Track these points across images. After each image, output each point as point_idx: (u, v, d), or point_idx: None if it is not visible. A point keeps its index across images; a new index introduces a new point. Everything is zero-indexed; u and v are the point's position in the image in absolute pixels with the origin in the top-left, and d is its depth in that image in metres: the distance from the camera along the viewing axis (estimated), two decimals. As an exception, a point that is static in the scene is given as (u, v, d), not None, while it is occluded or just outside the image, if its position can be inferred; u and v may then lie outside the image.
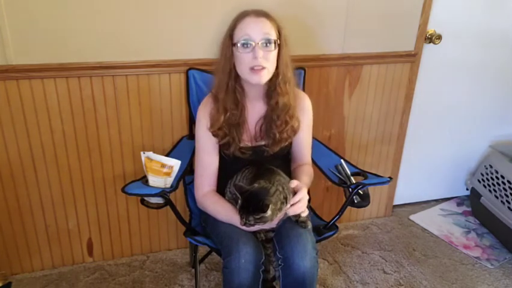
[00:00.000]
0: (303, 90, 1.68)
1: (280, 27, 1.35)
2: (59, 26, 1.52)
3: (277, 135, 1.40)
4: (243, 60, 1.29)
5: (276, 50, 1.32)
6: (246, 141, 1.43)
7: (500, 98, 2.34)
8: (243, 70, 1.31)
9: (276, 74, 1.36)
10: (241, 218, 1.22)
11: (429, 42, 2.03)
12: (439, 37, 2.02)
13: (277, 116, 1.39)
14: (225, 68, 1.34)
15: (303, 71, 1.71)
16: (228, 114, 1.36)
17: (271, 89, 1.38)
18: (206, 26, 1.66)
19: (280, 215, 1.26)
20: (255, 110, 1.43)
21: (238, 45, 1.29)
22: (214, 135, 1.39)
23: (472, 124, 2.37)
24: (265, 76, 1.31)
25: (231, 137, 1.38)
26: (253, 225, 1.23)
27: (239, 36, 1.29)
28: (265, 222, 1.22)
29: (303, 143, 1.51)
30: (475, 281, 1.91)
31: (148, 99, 1.71)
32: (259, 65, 1.28)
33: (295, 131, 1.44)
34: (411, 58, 2.01)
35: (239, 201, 1.23)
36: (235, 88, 1.36)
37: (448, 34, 2.05)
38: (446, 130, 2.34)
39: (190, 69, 1.67)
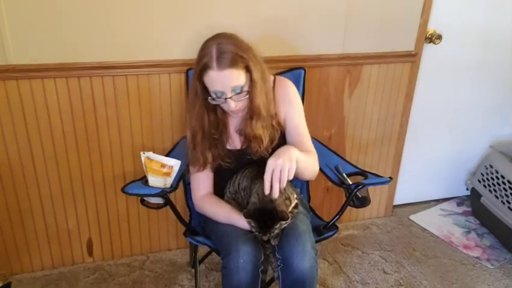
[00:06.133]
0: (303, 90, 1.68)
1: (249, 65, 1.25)
2: (58, 26, 1.51)
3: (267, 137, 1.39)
4: (221, 105, 1.33)
5: (249, 90, 1.30)
6: (232, 148, 1.44)
7: (501, 97, 2.34)
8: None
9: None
10: (264, 236, 1.23)
11: (430, 42, 2.03)
12: (439, 37, 2.02)
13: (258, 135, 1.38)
14: (200, 110, 1.34)
15: (303, 71, 1.71)
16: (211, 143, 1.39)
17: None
18: (206, 26, 1.65)
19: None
20: (234, 120, 1.43)
21: (213, 95, 1.28)
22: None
23: (472, 124, 2.37)
24: (244, 111, 1.35)
25: (215, 154, 1.40)
26: (277, 233, 1.25)
27: (210, 89, 1.27)
28: (283, 225, 1.25)
29: (298, 131, 1.43)
30: (475, 281, 1.91)
31: (148, 99, 1.71)
32: (236, 111, 1.32)
33: (282, 125, 1.43)
34: (412, 58, 2.01)
35: (253, 224, 1.24)
36: (216, 115, 1.38)
37: (448, 34, 2.04)
38: (446, 130, 2.34)
39: (189, 69, 1.66)
